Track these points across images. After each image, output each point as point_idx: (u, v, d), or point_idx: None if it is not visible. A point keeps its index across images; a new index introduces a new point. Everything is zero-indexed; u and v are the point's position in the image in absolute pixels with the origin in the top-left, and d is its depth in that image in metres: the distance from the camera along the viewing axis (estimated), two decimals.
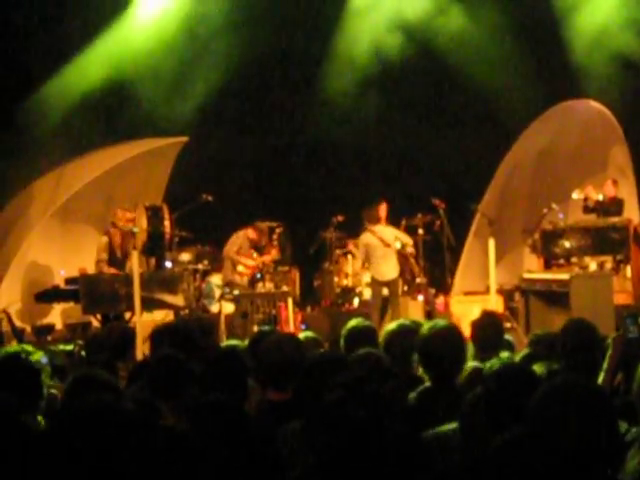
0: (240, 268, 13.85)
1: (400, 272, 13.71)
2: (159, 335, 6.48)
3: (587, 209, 13.97)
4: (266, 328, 6.91)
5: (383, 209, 13.53)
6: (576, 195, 13.93)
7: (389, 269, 13.29)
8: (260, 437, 3.96)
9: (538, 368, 4.88)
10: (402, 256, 13.89)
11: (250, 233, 14.01)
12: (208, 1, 15.18)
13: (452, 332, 5.25)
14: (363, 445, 2.86)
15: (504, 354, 5.20)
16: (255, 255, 13.95)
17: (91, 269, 12.74)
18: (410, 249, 14.12)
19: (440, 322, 5.41)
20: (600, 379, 4.71)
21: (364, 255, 13.43)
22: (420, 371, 5.37)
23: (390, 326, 6.03)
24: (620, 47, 14.86)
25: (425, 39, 15.53)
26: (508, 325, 13.01)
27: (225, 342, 10.31)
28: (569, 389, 2.88)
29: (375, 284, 13.41)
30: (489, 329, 6.33)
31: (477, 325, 6.42)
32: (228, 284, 13.79)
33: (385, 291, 13.37)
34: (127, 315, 12.16)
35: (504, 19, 15.24)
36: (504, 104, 15.48)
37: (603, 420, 2.82)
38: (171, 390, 4.89)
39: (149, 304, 12.09)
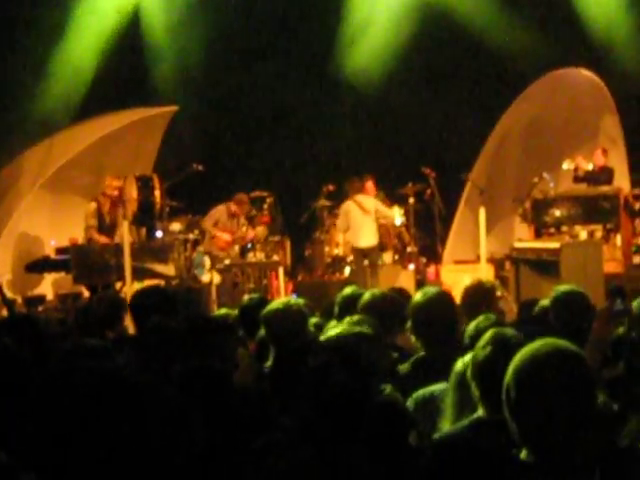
0: (216, 241, 13.83)
1: (381, 244, 13.84)
2: (140, 302, 6.39)
3: (577, 179, 13.96)
4: (255, 296, 6.84)
5: (370, 185, 13.66)
6: (566, 165, 13.92)
7: (367, 236, 13.42)
8: (252, 405, 3.97)
9: None
10: (383, 227, 14.05)
11: (232, 206, 13.99)
12: None
13: (444, 298, 5.27)
14: (347, 409, 2.87)
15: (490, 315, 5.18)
16: (245, 227, 13.93)
17: (81, 238, 12.72)
18: (400, 219, 14.17)
19: (432, 289, 5.42)
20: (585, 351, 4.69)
21: (344, 223, 13.55)
22: (413, 340, 5.37)
23: (366, 295, 5.98)
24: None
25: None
26: (499, 294, 12.99)
27: (216, 311, 10.39)
28: (546, 353, 2.83)
29: (355, 252, 13.56)
30: (479, 297, 6.31)
31: (467, 293, 6.42)
32: (208, 254, 13.77)
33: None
34: (118, 285, 12.13)
35: None
36: (497, 69, 15.47)
37: (582, 385, 2.79)
38: (165, 358, 4.87)
39: (140, 274, 12.07)
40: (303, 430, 2.93)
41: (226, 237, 13.85)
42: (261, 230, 13.98)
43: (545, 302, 6.14)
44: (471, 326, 5.02)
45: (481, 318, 5.09)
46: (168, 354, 4.88)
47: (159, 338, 5.05)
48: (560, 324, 5.44)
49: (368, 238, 13.43)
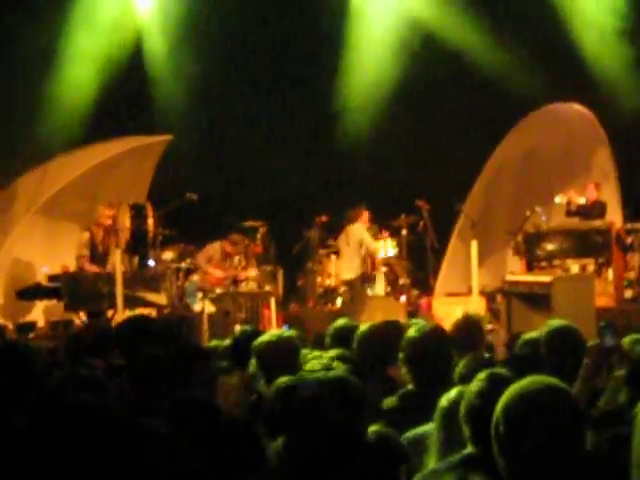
0: (208, 278, 13.86)
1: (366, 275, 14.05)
2: (125, 332, 6.33)
3: (570, 213, 14.00)
4: (247, 328, 6.85)
5: (365, 215, 13.93)
6: (559, 199, 13.96)
7: (347, 269, 13.68)
8: (241, 435, 3.97)
9: None
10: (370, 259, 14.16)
11: (226, 246, 14.02)
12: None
13: (439, 335, 5.24)
14: (337, 443, 2.84)
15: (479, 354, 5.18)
16: (239, 267, 13.96)
17: (73, 266, 12.70)
18: (393, 250, 14.19)
19: (427, 324, 5.41)
20: (575, 388, 4.62)
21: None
22: (403, 372, 5.35)
23: (362, 328, 6.02)
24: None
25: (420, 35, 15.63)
26: (490, 327, 13.03)
27: (207, 340, 10.37)
28: (535, 390, 2.85)
29: (343, 283, 14.07)
30: (468, 330, 6.28)
31: (456, 327, 6.37)
32: (200, 289, 13.77)
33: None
34: (110, 313, 12.10)
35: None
36: (492, 102, 15.55)
37: (570, 422, 2.80)
38: (157, 388, 4.88)
39: (132, 302, 12.05)
40: (294, 464, 2.91)
41: (218, 274, 13.87)
42: (253, 272, 14.00)
43: (532, 335, 6.11)
44: (460, 365, 5.00)
45: (470, 357, 5.10)
46: (156, 384, 4.88)
47: (147, 368, 5.05)
48: (552, 359, 5.39)
49: (348, 270, 13.72)
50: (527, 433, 2.77)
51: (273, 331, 5.87)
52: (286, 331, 5.85)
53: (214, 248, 14.04)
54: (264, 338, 5.53)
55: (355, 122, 16.24)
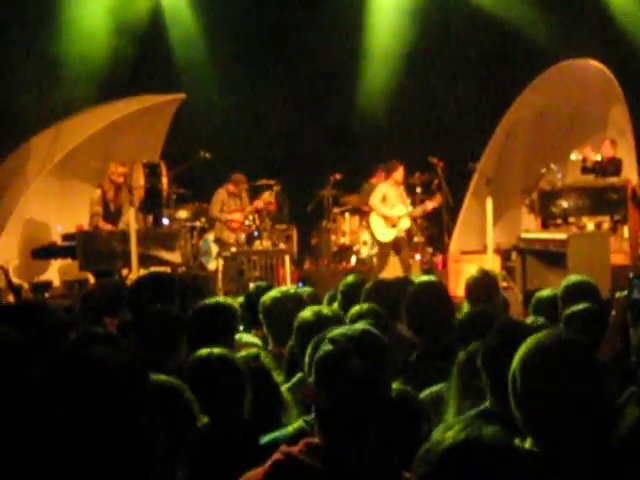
0: (232, 225, 13.83)
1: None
2: (138, 289, 6.32)
3: (585, 170, 13.91)
4: (263, 283, 6.85)
5: (395, 171, 13.83)
6: (574, 156, 13.87)
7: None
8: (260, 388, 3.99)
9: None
10: None
11: (230, 187, 14.05)
12: None
13: (438, 288, 5.30)
14: (363, 398, 2.81)
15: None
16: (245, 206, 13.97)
17: (87, 225, 12.71)
18: (409, 209, 14.19)
19: (424, 278, 5.39)
20: (603, 339, 4.66)
21: None
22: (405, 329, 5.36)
23: (368, 284, 6.07)
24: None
25: None
26: (505, 284, 13.03)
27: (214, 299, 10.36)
28: (553, 343, 2.86)
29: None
30: (482, 287, 6.29)
31: (471, 282, 6.40)
32: (217, 241, 13.79)
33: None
34: (125, 271, 12.13)
35: None
36: (506, 59, 15.43)
37: (590, 376, 2.80)
38: (166, 344, 4.84)
39: (146, 261, 12.08)
40: (319, 420, 2.89)
41: (237, 216, 13.90)
42: (267, 195, 14.02)
43: (546, 292, 6.11)
44: (467, 316, 5.06)
45: (478, 308, 5.11)
46: (169, 342, 4.84)
47: (159, 325, 4.96)
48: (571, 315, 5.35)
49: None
50: (543, 385, 2.78)
51: (280, 287, 5.82)
52: (293, 287, 5.81)
53: (220, 194, 14.04)
54: (269, 294, 5.50)
55: (369, 79, 16.16)
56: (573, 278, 5.96)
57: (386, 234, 13.64)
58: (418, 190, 14.47)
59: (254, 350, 4.52)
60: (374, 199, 13.76)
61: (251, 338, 5.54)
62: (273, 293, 5.49)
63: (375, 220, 13.76)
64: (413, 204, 14.32)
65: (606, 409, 2.82)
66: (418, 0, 15.66)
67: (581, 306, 5.11)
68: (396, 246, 13.67)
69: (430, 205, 13.95)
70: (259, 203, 13.92)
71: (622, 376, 3.83)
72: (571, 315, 5.09)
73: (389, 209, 13.63)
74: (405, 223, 13.78)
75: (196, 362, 3.94)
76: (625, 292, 4.74)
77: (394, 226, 13.62)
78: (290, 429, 3.56)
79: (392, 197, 13.70)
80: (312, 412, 2.91)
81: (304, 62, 16.02)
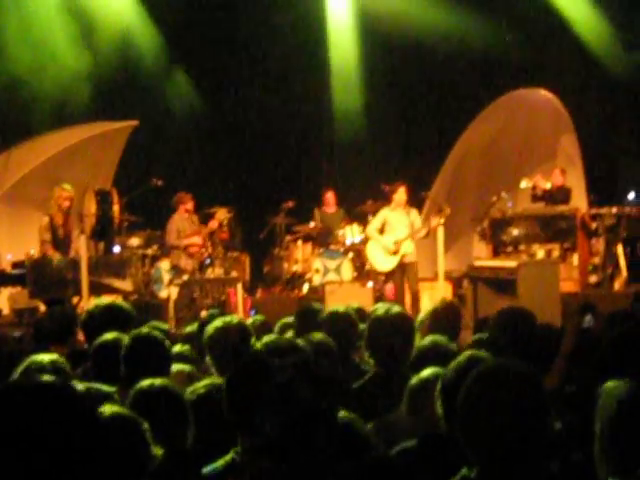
0: (191, 249, 13.68)
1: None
2: (92, 318, 6.24)
3: (535, 197, 14.04)
4: (215, 311, 6.81)
5: (396, 192, 13.33)
6: (524, 184, 14.00)
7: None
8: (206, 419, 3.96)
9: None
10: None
11: (182, 212, 13.78)
12: None
13: (405, 317, 5.26)
14: (311, 427, 2.84)
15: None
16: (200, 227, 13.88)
17: (37, 253, 12.57)
18: (360, 236, 14.21)
19: (393, 307, 5.40)
20: (553, 368, 4.69)
21: None
22: (366, 356, 5.34)
23: (329, 310, 6.06)
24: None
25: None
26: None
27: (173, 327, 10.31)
28: (497, 372, 2.87)
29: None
30: (448, 316, 6.35)
31: (436, 311, 6.43)
32: (174, 268, 13.68)
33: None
34: (75, 300, 12.01)
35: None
36: (456, 92, 15.54)
37: (533, 405, 2.81)
38: (114, 373, 4.83)
39: (97, 289, 11.91)
40: (265, 448, 2.90)
41: (196, 240, 13.67)
42: (220, 213, 13.84)
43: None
44: (425, 343, 5.10)
45: (436, 338, 5.15)
46: (118, 370, 4.81)
47: (108, 354, 4.98)
48: (507, 342, 5.38)
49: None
50: (484, 414, 2.78)
51: (224, 317, 5.80)
52: (236, 317, 5.77)
53: (175, 221, 13.79)
54: (213, 324, 5.40)
55: (321, 107, 16.20)
56: (506, 307, 6.01)
57: (386, 262, 13.29)
58: (370, 218, 14.46)
59: (210, 381, 4.46)
60: (370, 227, 13.47)
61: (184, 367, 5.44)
62: (217, 323, 5.39)
63: (372, 250, 13.43)
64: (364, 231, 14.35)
65: (547, 441, 2.82)
66: (374, 26, 15.72)
67: (526, 335, 5.17)
68: (401, 274, 13.22)
69: (435, 222, 13.02)
70: (214, 223, 13.79)
71: (566, 405, 3.87)
72: (516, 343, 5.12)
73: (390, 235, 13.20)
74: (408, 247, 13.20)
75: (137, 394, 3.91)
76: (575, 320, 4.79)
77: (395, 253, 13.19)
78: (222, 462, 3.56)
79: (394, 222, 13.28)
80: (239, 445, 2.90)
81: (256, 90, 16.04)
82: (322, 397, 2.95)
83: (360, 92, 15.96)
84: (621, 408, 3.11)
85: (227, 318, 5.47)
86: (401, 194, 13.18)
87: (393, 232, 13.21)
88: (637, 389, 3.22)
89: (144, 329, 5.25)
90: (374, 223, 13.40)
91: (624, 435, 2.97)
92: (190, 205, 13.88)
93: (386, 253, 13.24)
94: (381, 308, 5.33)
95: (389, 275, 13.42)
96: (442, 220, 12.91)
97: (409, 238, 13.12)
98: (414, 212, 13.36)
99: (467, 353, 3.83)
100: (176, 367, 5.26)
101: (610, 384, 3.30)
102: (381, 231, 13.36)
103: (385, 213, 13.36)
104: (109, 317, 6.01)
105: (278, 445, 2.84)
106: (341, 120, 16.31)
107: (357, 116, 16.12)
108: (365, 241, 13.70)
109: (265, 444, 2.89)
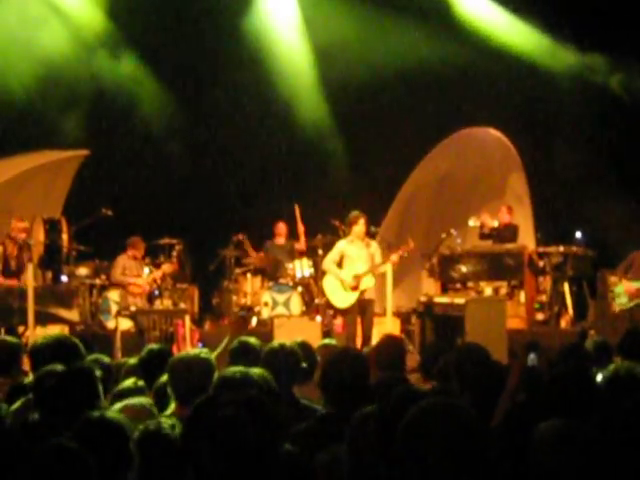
0: (132, 289, 13.52)
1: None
2: (38, 350, 6.19)
3: (483, 236, 14.14)
4: (154, 347, 6.66)
5: (356, 224, 12.61)
6: (472, 222, 14.09)
7: None
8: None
9: None
10: None
11: (129, 252, 13.63)
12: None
13: (361, 358, 5.22)
14: (252, 465, 2.85)
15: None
16: (148, 271, 13.77)
17: None
18: (309, 270, 14.21)
19: (350, 348, 5.37)
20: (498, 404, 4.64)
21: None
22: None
23: (271, 345, 5.95)
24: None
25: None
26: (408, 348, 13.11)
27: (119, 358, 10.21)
28: (436, 410, 2.88)
29: None
30: (391, 351, 6.32)
31: (379, 346, 6.43)
32: (122, 306, 13.50)
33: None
34: (21, 329, 11.87)
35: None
36: (406, 129, 15.64)
37: (472, 443, 2.81)
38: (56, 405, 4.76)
39: (43, 318, 11.87)
40: None
41: (140, 282, 13.53)
42: (167, 267, 13.77)
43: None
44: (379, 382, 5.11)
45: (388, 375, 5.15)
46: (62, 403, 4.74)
47: (49, 386, 4.86)
48: (462, 379, 5.43)
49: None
50: (417, 448, 2.81)
51: (190, 350, 5.73)
52: (202, 350, 5.74)
53: (122, 258, 13.65)
54: (180, 356, 5.40)
55: (271, 139, 16.24)
56: (464, 344, 6.05)
57: (344, 299, 12.45)
58: (320, 252, 14.49)
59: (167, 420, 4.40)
60: (327, 260, 12.68)
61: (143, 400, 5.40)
62: (183, 354, 5.42)
63: (330, 284, 12.59)
64: (315, 267, 14.33)
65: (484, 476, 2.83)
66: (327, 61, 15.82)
67: (476, 372, 5.18)
68: (360, 310, 12.39)
69: (395, 257, 12.44)
70: (158, 273, 13.72)
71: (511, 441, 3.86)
72: (465, 380, 5.16)
73: (349, 269, 12.38)
74: (369, 282, 12.40)
75: (81, 427, 3.87)
76: (521, 358, 4.80)
77: (355, 288, 12.36)
78: None
79: (353, 255, 12.45)
80: None
81: (208, 123, 16.07)
82: (267, 434, 2.91)
83: (313, 126, 15.97)
84: (553, 450, 3.21)
85: (193, 351, 5.46)
86: (361, 226, 12.40)
87: (352, 266, 12.40)
88: (570, 431, 3.34)
89: (78, 363, 5.21)
90: (331, 256, 12.60)
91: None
92: (139, 253, 13.72)
93: (345, 288, 12.41)
94: (331, 349, 5.26)
95: (342, 311, 12.81)
96: (405, 254, 12.57)
97: (369, 273, 12.38)
98: (374, 244, 12.61)
99: (400, 389, 3.86)
100: (132, 401, 5.22)
101: (544, 425, 3.41)
102: (339, 264, 12.54)
103: (343, 246, 12.56)
104: (56, 349, 5.93)
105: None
106: (292, 154, 16.35)
107: (303, 154, 16.18)
108: (321, 275, 13.16)
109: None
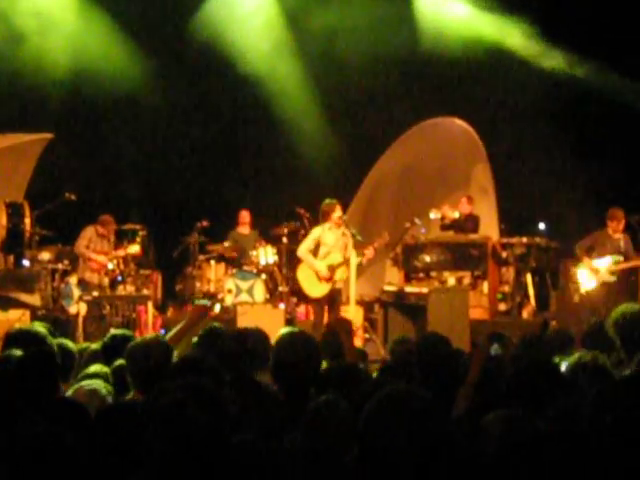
0: (92, 264, 13.44)
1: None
2: (10, 338, 6.09)
3: (444, 227, 14.14)
4: (117, 332, 6.64)
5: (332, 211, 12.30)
6: (433, 215, 14.05)
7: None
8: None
9: None
10: None
11: (99, 229, 13.53)
12: None
13: (307, 340, 5.16)
14: (201, 451, 2.87)
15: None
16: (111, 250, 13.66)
17: None
18: (273, 258, 14.19)
19: (296, 330, 5.37)
20: (459, 394, 4.72)
21: None
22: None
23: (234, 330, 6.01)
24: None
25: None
26: (367, 336, 13.16)
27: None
28: (394, 398, 2.91)
29: None
30: (334, 336, 6.23)
31: (324, 333, 6.51)
32: (80, 282, 13.47)
33: None
34: None
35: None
36: (371, 117, 15.63)
37: (431, 431, 2.84)
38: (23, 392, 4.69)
39: (4, 303, 11.80)
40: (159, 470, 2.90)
41: (102, 259, 13.37)
42: (132, 248, 13.64)
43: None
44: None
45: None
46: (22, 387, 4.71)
47: (11, 371, 4.84)
48: (423, 368, 5.45)
49: None
50: (379, 439, 2.84)
51: (149, 334, 5.75)
52: (159, 335, 5.74)
53: (89, 231, 13.53)
54: (138, 340, 5.39)
55: (239, 127, 16.17)
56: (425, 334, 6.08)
57: (316, 288, 12.23)
58: (284, 240, 14.48)
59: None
60: (302, 248, 12.38)
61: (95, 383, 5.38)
62: (139, 340, 5.41)
63: (303, 272, 12.37)
64: (279, 254, 14.32)
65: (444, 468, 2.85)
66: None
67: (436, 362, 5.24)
68: (329, 300, 12.21)
69: (370, 251, 12.26)
70: (122, 252, 13.63)
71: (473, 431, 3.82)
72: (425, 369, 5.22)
73: (322, 258, 12.21)
74: (342, 273, 12.20)
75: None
76: (484, 348, 4.91)
77: (328, 280, 12.18)
78: None
79: (329, 242, 12.20)
80: None
81: (177, 105, 15.99)
82: (219, 419, 2.94)
83: (281, 111, 15.91)
84: (496, 441, 3.26)
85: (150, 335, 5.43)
86: (339, 212, 12.22)
87: (328, 254, 12.20)
88: (515, 422, 3.38)
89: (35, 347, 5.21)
90: (306, 244, 12.33)
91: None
92: (107, 232, 13.59)
93: (319, 279, 12.21)
94: (284, 334, 5.22)
95: (309, 299, 12.68)
96: (379, 246, 12.46)
97: (344, 264, 12.17)
98: (348, 233, 12.31)
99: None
100: (83, 383, 5.22)
101: (491, 416, 3.44)
102: (314, 252, 12.33)
103: (319, 232, 12.28)
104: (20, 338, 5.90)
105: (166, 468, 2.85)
106: (259, 141, 16.34)
107: (270, 140, 16.17)
108: (296, 262, 12.87)
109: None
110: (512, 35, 15.37)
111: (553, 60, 15.31)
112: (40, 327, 6.28)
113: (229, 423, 3.01)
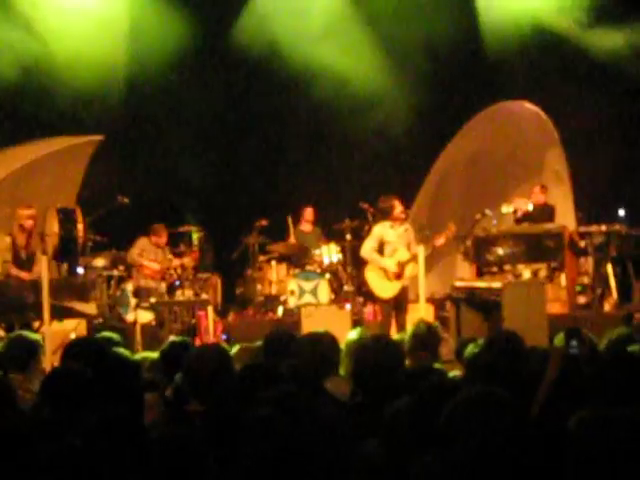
0: (145, 271, 13.55)
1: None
2: (70, 348, 6.17)
3: (518, 221, 13.88)
4: (176, 339, 6.50)
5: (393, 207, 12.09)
6: (505, 209, 13.70)
7: None
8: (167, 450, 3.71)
9: None
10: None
11: (152, 238, 13.76)
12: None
13: (392, 344, 5.19)
14: (289, 464, 2.93)
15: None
16: (170, 256, 13.71)
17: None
18: (337, 256, 13.88)
19: (379, 335, 5.66)
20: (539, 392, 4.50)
21: None
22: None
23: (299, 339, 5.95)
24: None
25: None
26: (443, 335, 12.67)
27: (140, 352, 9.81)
28: (477, 400, 3.06)
29: None
30: (424, 337, 6.34)
31: (413, 333, 6.38)
32: (137, 290, 13.38)
33: None
34: (36, 324, 11.51)
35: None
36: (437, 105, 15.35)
37: (511, 431, 2.96)
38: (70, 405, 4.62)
39: (59, 313, 11.55)
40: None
41: (154, 266, 13.55)
42: (188, 261, 13.62)
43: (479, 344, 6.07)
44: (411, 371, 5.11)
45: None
46: (75, 400, 4.64)
47: (64, 383, 4.77)
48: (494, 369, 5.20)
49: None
50: (457, 441, 2.98)
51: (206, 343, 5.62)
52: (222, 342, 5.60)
53: (142, 241, 13.77)
54: (194, 350, 5.40)
55: (297, 121, 15.93)
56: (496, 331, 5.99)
57: (387, 288, 11.96)
58: (348, 237, 14.14)
59: None
60: (366, 248, 12.10)
61: None
62: (198, 348, 5.55)
63: (372, 273, 12.05)
64: (343, 252, 13.91)
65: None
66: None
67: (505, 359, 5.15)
68: (398, 299, 11.98)
69: (439, 241, 12.04)
70: (176, 261, 13.62)
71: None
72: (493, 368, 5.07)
73: (389, 256, 11.93)
74: (412, 269, 11.89)
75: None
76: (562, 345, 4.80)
77: (399, 277, 11.91)
78: None
79: (393, 239, 11.97)
80: None
81: (229, 105, 15.78)
82: (302, 432, 3.06)
83: (331, 111, 15.57)
84: (586, 442, 3.19)
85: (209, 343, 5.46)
86: (399, 208, 12.00)
87: (394, 252, 11.92)
88: (608, 417, 3.31)
89: None
90: (370, 243, 12.05)
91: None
92: (161, 240, 13.81)
93: (389, 277, 11.93)
94: (358, 336, 5.52)
95: (376, 298, 12.36)
96: (445, 239, 12.20)
97: (414, 259, 11.77)
98: (410, 229, 12.20)
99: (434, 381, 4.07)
100: None
101: (581, 413, 3.41)
102: (379, 251, 12.03)
103: (382, 230, 12.02)
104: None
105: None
106: (317, 136, 16.12)
107: (330, 137, 16.01)
108: (362, 264, 12.54)
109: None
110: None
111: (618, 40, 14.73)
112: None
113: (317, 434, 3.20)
